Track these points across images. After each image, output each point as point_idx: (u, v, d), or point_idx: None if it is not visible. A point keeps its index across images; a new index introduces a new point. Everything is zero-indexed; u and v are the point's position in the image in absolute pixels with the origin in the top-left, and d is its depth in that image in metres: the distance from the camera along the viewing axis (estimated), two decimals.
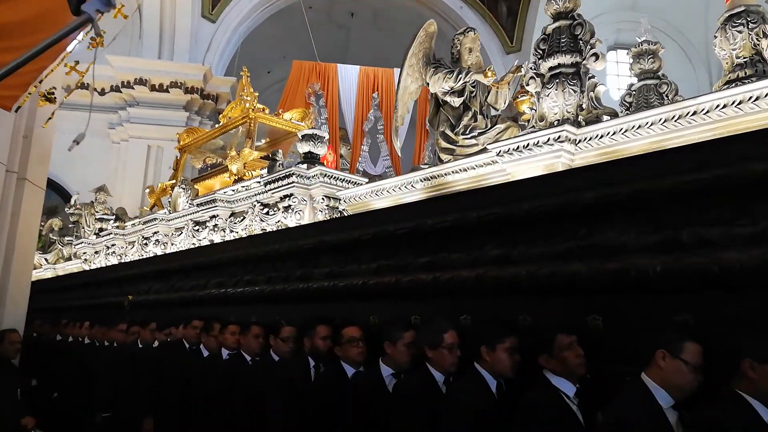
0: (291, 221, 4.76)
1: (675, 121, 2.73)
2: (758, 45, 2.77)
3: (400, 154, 5.37)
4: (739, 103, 2.57)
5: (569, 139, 3.08)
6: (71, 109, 12.45)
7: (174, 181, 8.23)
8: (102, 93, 12.85)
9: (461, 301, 2.85)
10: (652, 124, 2.81)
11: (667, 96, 3.79)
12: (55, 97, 6.04)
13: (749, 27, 2.80)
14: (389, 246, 3.40)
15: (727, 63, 2.90)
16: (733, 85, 2.62)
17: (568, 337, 2.22)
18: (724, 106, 2.61)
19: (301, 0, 12.37)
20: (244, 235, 5.35)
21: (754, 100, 2.51)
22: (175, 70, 12.72)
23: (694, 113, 2.68)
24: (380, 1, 14.73)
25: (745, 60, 2.81)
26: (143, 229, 7.76)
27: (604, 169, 2.46)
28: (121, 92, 12.81)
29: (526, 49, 12.61)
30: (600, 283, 2.29)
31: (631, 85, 4.11)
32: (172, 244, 6.98)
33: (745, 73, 2.75)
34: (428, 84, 4.27)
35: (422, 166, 4.23)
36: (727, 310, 1.95)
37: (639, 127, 2.85)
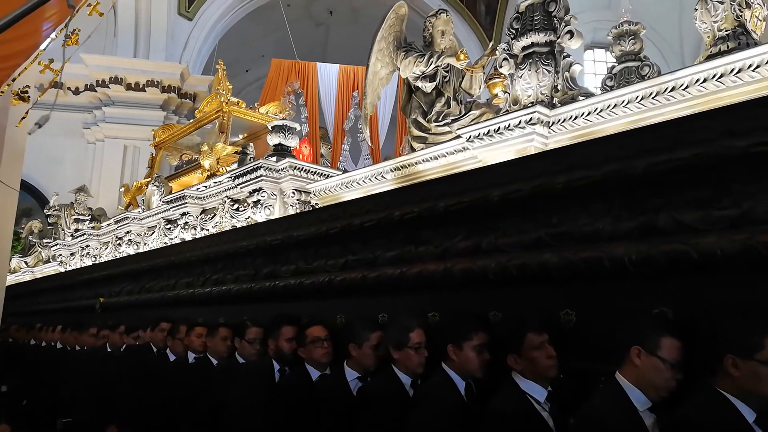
0: (261, 216, 4.57)
1: (652, 98, 2.55)
2: (741, 16, 2.59)
3: (370, 144, 5.18)
4: (720, 76, 2.38)
5: (542, 122, 2.90)
6: (45, 109, 12.21)
7: (149, 179, 8.00)
8: (76, 92, 12.58)
9: (429, 296, 2.69)
10: (628, 103, 2.63)
11: (649, 78, 3.62)
12: (28, 96, 5.83)
13: None
14: (357, 240, 3.23)
15: (708, 37, 2.71)
16: (716, 59, 2.44)
17: (539, 335, 2.04)
18: (705, 81, 2.42)
19: None
20: (214, 233, 5.15)
21: (737, 73, 2.33)
22: (151, 69, 12.47)
23: (673, 89, 2.50)
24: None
25: (727, 32, 2.61)
26: (116, 228, 7.54)
27: (575, 151, 2.29)
28: (95, 91, 12.54)
29: None
30: (572, 273, 2.11)
31: (612, 67, 3.94)
32: (145, 244, 6.76)
33: (728, 47, 2.56)
34: (399, 69, 4.07)
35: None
36: (708, 300, 1.79)
37: (615, 106, 2.67)
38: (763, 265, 1.68)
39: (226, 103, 7.46)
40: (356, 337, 2.67)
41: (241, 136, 8.50)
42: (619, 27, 3.97)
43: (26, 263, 11.58)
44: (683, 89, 2.46)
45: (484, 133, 3.07)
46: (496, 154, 2.99)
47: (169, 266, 5.06)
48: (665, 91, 2.52)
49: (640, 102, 2.59)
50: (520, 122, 2.89)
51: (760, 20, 2.68)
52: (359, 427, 2.40)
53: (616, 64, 3.97)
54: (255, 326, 3.40)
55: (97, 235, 8.33)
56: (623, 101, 2.65)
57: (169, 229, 6.07)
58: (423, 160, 3.58)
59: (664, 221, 1.94)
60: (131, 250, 7.02)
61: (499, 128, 2.98)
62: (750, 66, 2.30)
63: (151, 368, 3.98)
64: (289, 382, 2.92)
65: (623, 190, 2.10)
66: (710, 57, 2.56)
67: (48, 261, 10.53)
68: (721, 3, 2.62)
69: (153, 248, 6.11)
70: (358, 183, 4.04)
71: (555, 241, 2.24)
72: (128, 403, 4.00)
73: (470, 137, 3.19)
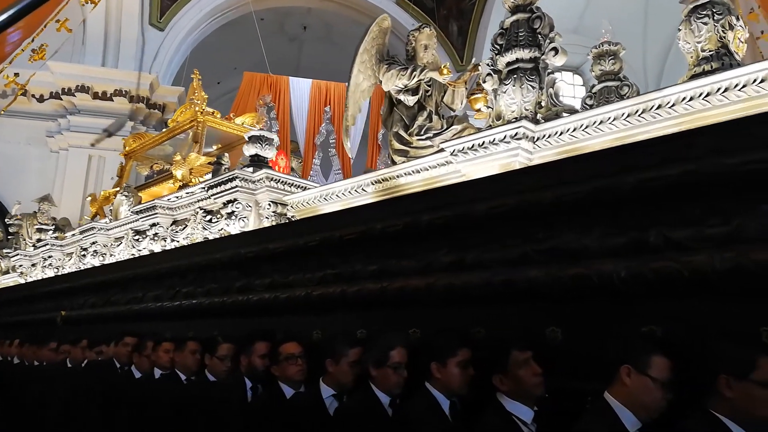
0: (234, 228, 4.44)
1: (639, 115, 2.56)
2: (724, 37, 2.62)
3: (351, 156, 5.12)
4: (707, 95, 2.40)
5: (527, 137, 2.88)
6: (9, 116, 11.83)
7: (118, 189, 7.77)
8: (41, 100, 12.23)
9: (411, 312, 2.61)
10: (614, 120, 2.63)
11: (628, 98, 3.65)
12: None
13: (715, 18, 2.65)
14: (336, 253, 3.13)
15: (692, 57, 2.74)
16: (702, 78, 2.46)
17: (523, 353, 1.99)
18: (691, 99, 2.44)
19: (253, 11, 12.13)
20: (186, 245, 4.99)
21: (723, 92, 2.35)
22: (119, 78, 12.20)
23: (659, 107, 2.50)
24: (333, 16, 14.65)
25: (710, 53, 2.65)
26: (81, 239, 7.27)
27: (563, 167, 2.26)
28: (61, 99, 12.19)
29: None
30: (560, 290, 2.07)
31: (593, 86, 3.98)
32: (111, 255, 6.53)
33: (711, 67, 2.59)
34: (381, 81, 4.03)
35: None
36: (700, 318, 1.75)
37: (601, 122, 2.67)
38: (754, 283, 1.66)
39: (201, 112, 7.32)
40: (334, 353, 2.58)
41: (215, 147, 8.35)
42: (599, 47, 4.02)
43: None
44: (669, 107, 2.47)
45: (468, 147, 3.04)
46: (480, 168, 2.96)
47: (137, 278, 4.87)
48: (651, 108, 2.53)
49: (626, 119, 2.60)
50: (505, 137, 2.87)
51: (742, 42, 2.72)
52: None
53: (596, 83, 4.01)
54: (226, 342, 3.27)
55: (61, 245, 8.04)
56: (609, 118, 2.65)
57: (138, 240, 5.86)
58: (405, 174, 3.53)
59: (654, 238, 1.92)
60: (96, 262, 6.76)
61: (483, 143, 2.95)
62: (736, 86, 2.32)
63: (114, 385, 3.78)
64: (261, 400, 2.80)
65: (611, 207, 2.07)
66: (694, 76, 2.59)
67: (7, 272, 10.12)
68: (705, 24, 2.66)
69: (120, 260, 5.89)
70: (337, 196, 3.96)
71: (541, 257, 2.19)
72: (88, 424, 3.79)
73: (454, 151, 3.15)
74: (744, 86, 2.30)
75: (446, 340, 2.24)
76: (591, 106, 3.82)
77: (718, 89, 2.37)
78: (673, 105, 2.49)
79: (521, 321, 2.19)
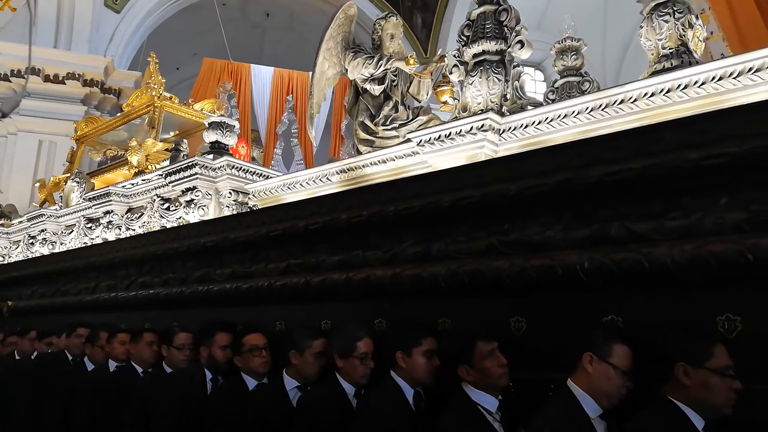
0: (194, 217, 4.32)
1: (602, 110, 2.61)
2: (684, 36, 2.71)
3: (315, 144, 5.05)
4: (668, 91, 2.47)
5: (493, 129, 2.90)
6: None
7: (68, 175, 7.45)
8: None
9: (377, 302, 2.60)
10: (578, 114, 2.68)
11: (589, 93, 3.73)
12: None
13: (675, 17, 2.73)
14: (300, 243, 3.09)
15: (652, 54, 2.82)
16: (663, 75, 2.53)
17: (489, 344, 2.01)
18: (652, 95, 2.51)
19: None
20: (141, 233, 4.83)
21: (683, 88, 2.42)
22: (72, 61, 11.63)
23: (622, 102, 2.56)
24: (297, 4, 14.40)
25: (671, 50, 2.73)
26: (29, 226, 6.95)
27: (529, 159, 2.28)
28: (10, 81, 11.58)
29: None
30: (524, 281, 2.09)
31: (555, 81, 4.04)
32: (62, 244, 6.27)
33: (671, 64, 2.67)
34: (347, 70, 3.98)
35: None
36: (659, 308, 1.81)
37: (565, 116, 2.71)
38: (711, 274, 1.71)
39: (158, 97, 7.08)
40: (298, 345, 2.55)
41: (172, 134, 8.10)
42: (562, 42, 4.08)
43: None
44: (632, 102, 2.54)
45: (435, 138, 3.04)
46: (446, 159, 2.96)
47: (89, 268, 4.70)
48: (614, 103, 2.59)
49: (590, 113, 2.65)
50: (471, 128, 2.88)
51: (701, 41, 2.82)
52: None
53: (558, 79, 4.08)
54: (184, 332, 3.20)
55: (7, 233, 7.67)
56: (573, 111, 2.70)
57: (91, 228, 5.64)
58: (371, 163, 3.50)
59: (616, 231, 1.96)
60: (46, 250, 6.48)
61: (450, 134, 2.95)
62: (696, 82, 2.40)
63: (66, 377, 3.65)
64: (223, 392, 2.75)
65: (576, 199, 2.10)
66: (655, 73, 2.66)
67: None
68: (666, 22, 2.73)
69: (71, 248, 5.66)
70: (301, 185, 3.90)
71: (507, 249, 2.21)
72: (41, 417, 3.66)
73: (421, 141, 3.14)
74: (703, 83, 2.38)
75: (411, 330, 2.25)
76: (553, 101, 3.88)
77: (678, 86, 2.44)
78: (635, 100, 2.55)
79: (487, 312, 2.21)
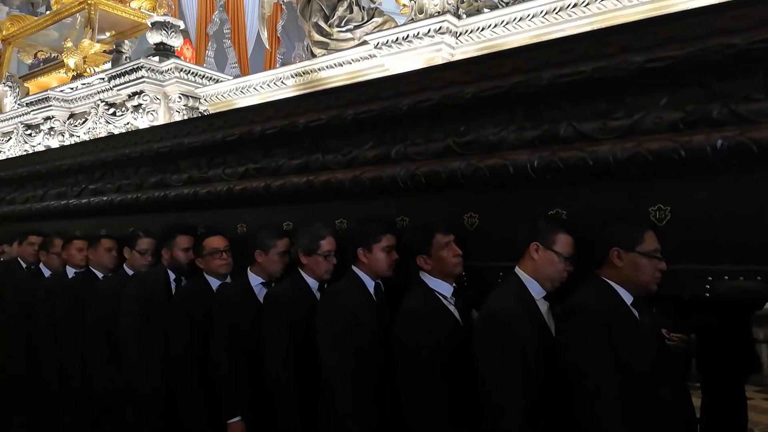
0: (143, 122, 4.20)
1: (556, 13, 2.66)
2: None
3: (267, 47, 4.88)
4: None
5: (450, 31, 2.91)
6: None
7: None
8: None
9: (337, 204, 2.69)
10: (533, 17, 2.72)
11: None
12: None
13: None
14: (258, 148, 3.09)
15: None
16: None
17: (446, 236, 2.17)
18: None
19: None
20: (87, 139, 4.66)
21: None
22: None
23: (575, 5, 2.62)
24: None
25: None
26: None
27: (485, 62, 2.34)
28: None
29: None
30: (478, 179, 2.22)
31: None
32: (0, 152, 5.97)
33: None
34: None
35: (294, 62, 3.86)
36: (600, 201, 1.98)
37: (520, 19, 2.75)
38: (647, 169, 1.88)
39: None
40: (262, 244, 2.65)
41: (108, 34, 7.57)
42: None
43: None
44: (584, 6, 2.59)
45: (392, 41, 3.02)
46: (403, 63, 2.97)
47: (35, 176, 4.54)
48: (568, 6, 2.64)
49: (544, 16, 2.69)
50: (429, 31, 2.87)
51: None
52: (265, 327, 2.43)
53: None
54: (148, 237, 3.23)
55: None
56: (528, 15, 2.73)
57: (30, 135, 5.38)
58: (327, 67, 3.45)
59: (564, 131, 2.09)
60: None
61: (408, 36, 2.94)
62: None
63: (27, 284, 3.67)
64: (188, 291, 2.85)
65: (528, 101, 2.20)
66: None
67: None
68: None
69: (10, 156, 5.41)
70: (254, 89, 3.81)
71: (463, 150, 2.32)
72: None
73: (378, 44, 3.12)
74: None
75: (372, 227, 2.38)
76: (508, 4, 3.87)
77: None
78: (588, 4, 2.61)
79: (442, 209, 2.34)
